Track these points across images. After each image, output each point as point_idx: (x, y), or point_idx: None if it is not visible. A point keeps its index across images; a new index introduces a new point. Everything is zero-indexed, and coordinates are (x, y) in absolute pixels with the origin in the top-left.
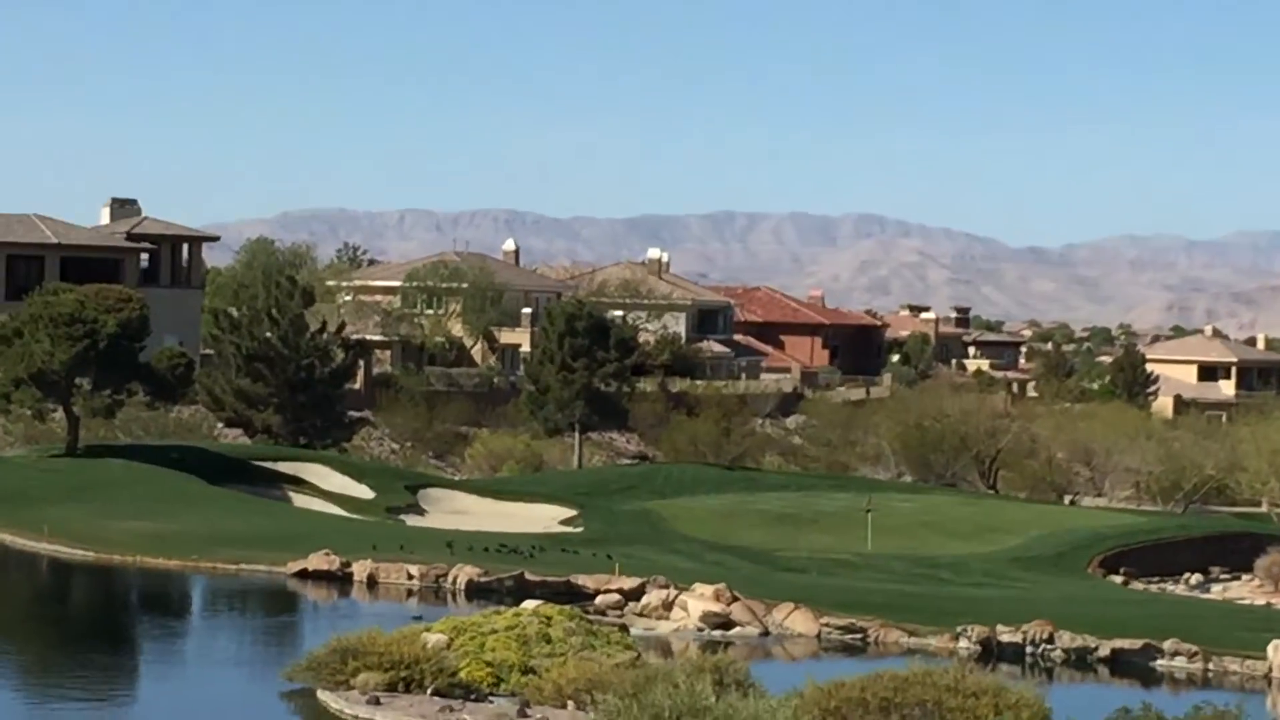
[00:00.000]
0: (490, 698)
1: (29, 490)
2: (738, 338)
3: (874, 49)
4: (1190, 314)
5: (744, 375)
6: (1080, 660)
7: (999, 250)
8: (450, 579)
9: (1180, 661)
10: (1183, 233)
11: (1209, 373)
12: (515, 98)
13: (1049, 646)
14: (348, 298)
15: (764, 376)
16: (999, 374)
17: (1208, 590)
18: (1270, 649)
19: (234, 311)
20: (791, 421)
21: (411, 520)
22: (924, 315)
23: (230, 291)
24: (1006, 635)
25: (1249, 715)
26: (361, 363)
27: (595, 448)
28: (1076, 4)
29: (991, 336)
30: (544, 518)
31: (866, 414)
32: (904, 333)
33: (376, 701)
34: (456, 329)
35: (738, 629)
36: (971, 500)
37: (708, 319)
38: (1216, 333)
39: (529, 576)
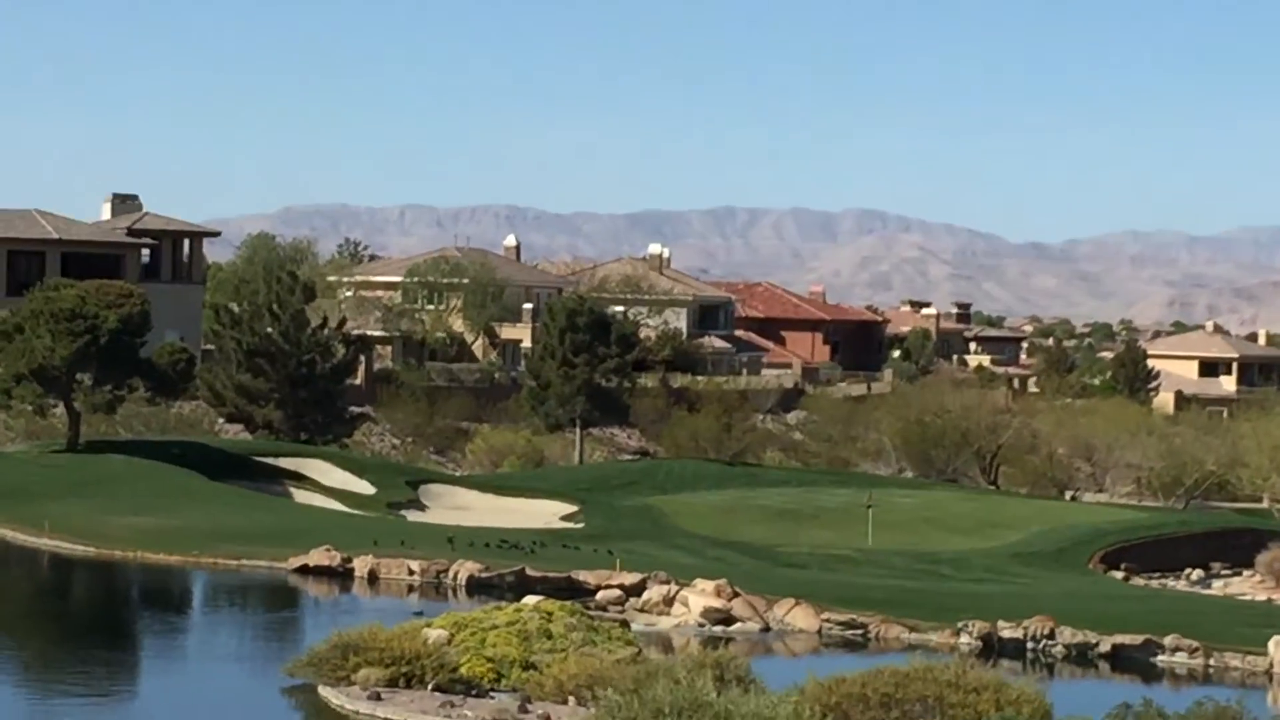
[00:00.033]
0: (491, 693)
1: (30, 486)
2: (739, 333)
3: (875, 45)
4: (1191, 310)
5: (745, 371)
6: (1081, 656)
7: (1000, 246)
8: (451, 574)
9: (1181, 657)
10: (1184, 228)
11: (1210, 368)
12: (516, 93)
13: (1050, 642)
14: (349, 293)
15: (765, 372)
16: (1000, 370)
17: (1209, 586)
18: (1271, 645)
19: (235, 307)
20: (792, 417)
21: (412, 516)
22: (925, 311)
23: (231, 287)
24: (1007, 631)
25: (1250, 711)
26: (362, 358)
27: (596, 443)
28: (1077, 0)
29: (993, 332)
30: (545, 513)
31: (867, 410)
32: (905, 328)
33: (377, 697)
34: (457, 324)
35: (739, 625)
36: (972, 496)
37: (709, 315)
38: (1218, 328)
39: (530, 572)
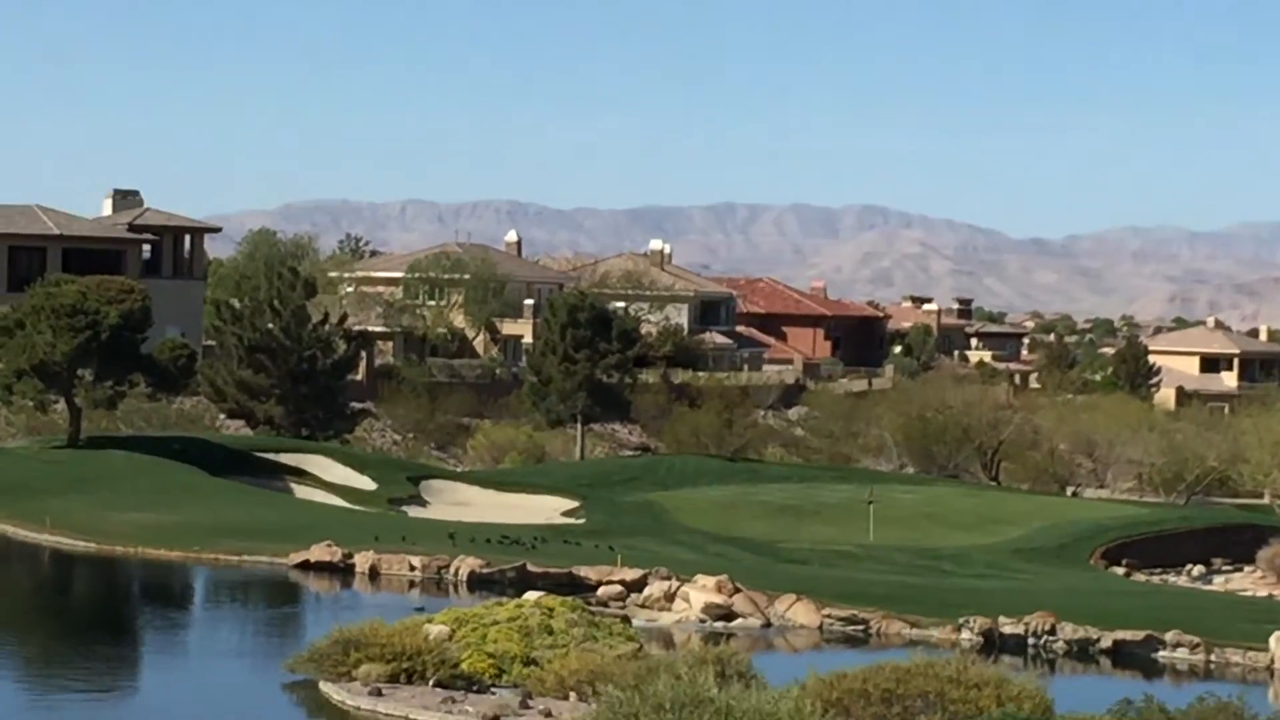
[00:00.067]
0: (492, 689)
1: (31, 482)
2: (740, 329)
3: (876, 41)
4: (1193, 305)
5: (746, 367)
6: (1082, 652)
7: (1001, 242)
8: (452, 570)
9: (1182, 653)
10: (1185, 224)
11: (1211, 364)
12: (517, 89)
13: (1051, 638)
14: (350, 289)
15: (766, 368)
16: (1001, 365)
17: (1210, 582)
18: (1272, 641)
19: (236, 303)
20: (794, 413)
21: (413, 512)
22: (926, 307)
23: (232, 283)
24: (1008, 627)
25: (1251, 706)
26: (363, 354)
27: (597, 439)
28: None
29: (994, 328)
30: (546, 509)
31: (869, 405)
32: (906, 324)
33: (378, 693)
34: (458, 320)
35: (740, 620)
36: (974, 492)
37: (710, 310)
38: (1219, 324)
39: (531, 568)
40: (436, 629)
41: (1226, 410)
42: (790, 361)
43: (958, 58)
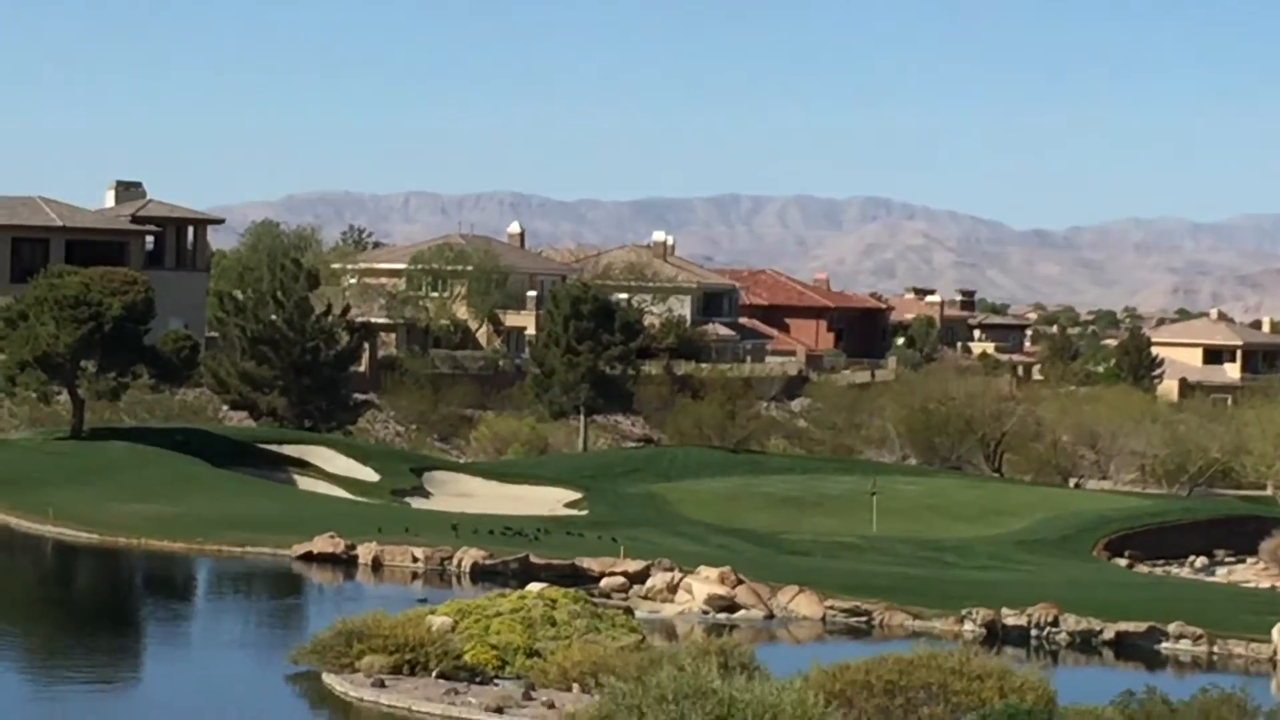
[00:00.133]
0: (495, 680)
1: (34, 473)
2: (743, 321)
3: (879, 32)
4: (1195, 297)
5: (749, 358)
6: (1085, 643)
7: (1004, 233)
8: (455, 562)
9: (1185, 644)
10: (1188, 216)
11: (1214, 356)
12: (520, 81)
13: (1054, 629)
14: (352, 280)
15: (769, 359)
16: (1004, 357)
17: (1212, 573)
18: (1275, 632)
19: (239, 294)
20: (796, 404)
21: (416, 503)
22: (929, 298)
23: (235, 274)
24: (1011, 618)
25: (1253, 698)
26: (366, 345)
27: (600, 431)
28: None
29: (996, 319)
30: (549, 501)
31: (871, 397)
32: (909, 316)
33: (381, 684)
34: (461, 312)
35: (742, 612)
36: (976, 483)
37: (713, 302)
38: (1222, 316)
39: (534, 559)
40: (439, 620)
41: (1229, 402)
42: (793, 353)
43: (961, 49)
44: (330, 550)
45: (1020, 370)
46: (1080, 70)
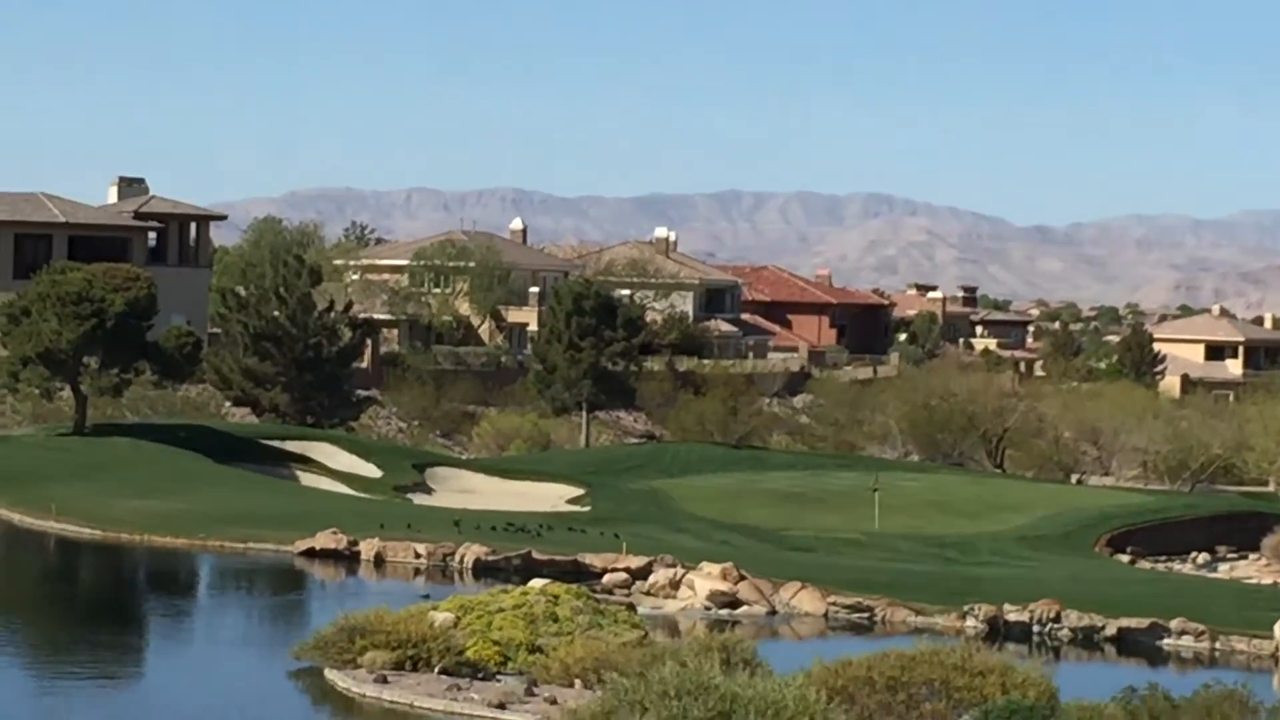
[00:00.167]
0: (497, 676)
1: (37, 469)
2: (745, 317)
3: (881, 27)
4: (1197, 293)
5: (751, 354)
6: (1087, 639)
7: (1006, 229)
8: (457, 558)
9: (1187, 641)
10: (1190, 212)
11: (1216, 352)
12: (522, 76)
13: (1056, 625)
14: (355, 277)
15: (771, 356)
16: (1006, 353)
17: (1215, 569)
18: (1277, 628)
19: (242, 290)
20: (799, 401)
21: (419, 499)
22: (931, 294)
23: (238, 270)
24: (1013, 614)
25: (1255, 694)
26: (369, 342)
27: (602, 427)
28: None
29: (999, 316)
30: (551, 497)
31: (874, 393)
32: (911, 312)
33: (384, 680)
34: (464, 308)
35: (745, 608)
36: (978, 479)
37: (715, 298)
38: (1224, 312)
39: (536, 555)
40: (442, 616)
41: (1231, 398)
42: (795, 349)
43: (963, 46)
44: (333, 546)
45: (1022, 366)
46: (1082, 66)
